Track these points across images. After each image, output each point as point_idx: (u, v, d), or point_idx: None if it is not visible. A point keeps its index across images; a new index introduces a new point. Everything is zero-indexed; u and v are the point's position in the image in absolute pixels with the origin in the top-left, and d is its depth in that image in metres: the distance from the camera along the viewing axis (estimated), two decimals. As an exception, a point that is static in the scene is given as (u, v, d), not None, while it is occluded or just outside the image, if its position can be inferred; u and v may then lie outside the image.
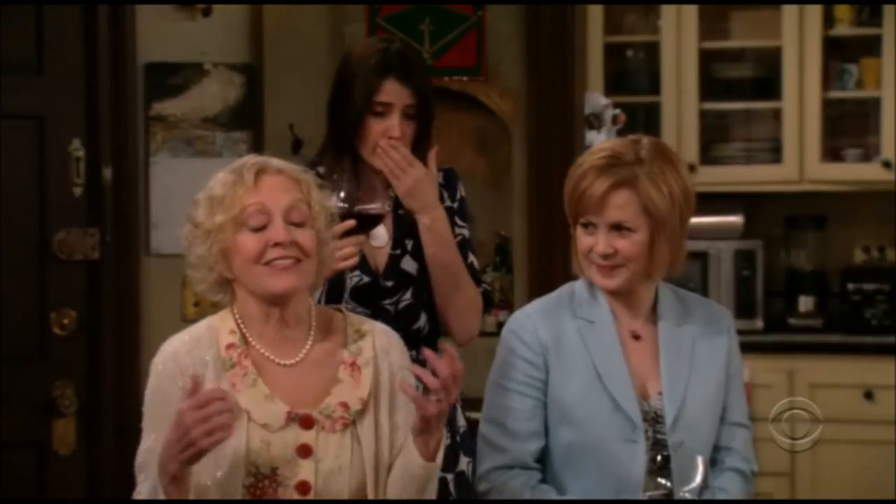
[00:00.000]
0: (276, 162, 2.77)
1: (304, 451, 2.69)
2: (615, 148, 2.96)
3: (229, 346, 2.74)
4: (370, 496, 2.72)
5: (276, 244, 2.69)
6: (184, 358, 2.72)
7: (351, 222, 3.13)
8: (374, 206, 3.19)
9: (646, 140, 2.99)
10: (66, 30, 4.78)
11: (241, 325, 2.76)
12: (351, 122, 3.32)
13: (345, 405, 2.73)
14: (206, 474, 2.65)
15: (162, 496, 2.60)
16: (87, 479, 4.79)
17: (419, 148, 3.34)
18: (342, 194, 3.15)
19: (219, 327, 2.77)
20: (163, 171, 4.96)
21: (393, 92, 3.31)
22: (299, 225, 2.72)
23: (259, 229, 2.70)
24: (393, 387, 2.78)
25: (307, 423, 2.70)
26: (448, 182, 3.44)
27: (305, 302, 2.80)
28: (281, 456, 2.68)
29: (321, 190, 2.81)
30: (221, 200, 2.71)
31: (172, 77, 4.99)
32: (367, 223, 3.20)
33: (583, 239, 2.96)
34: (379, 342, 2.81)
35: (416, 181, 3.27)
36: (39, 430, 4.72)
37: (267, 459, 2.67)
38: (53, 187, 4.75)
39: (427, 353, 2.72)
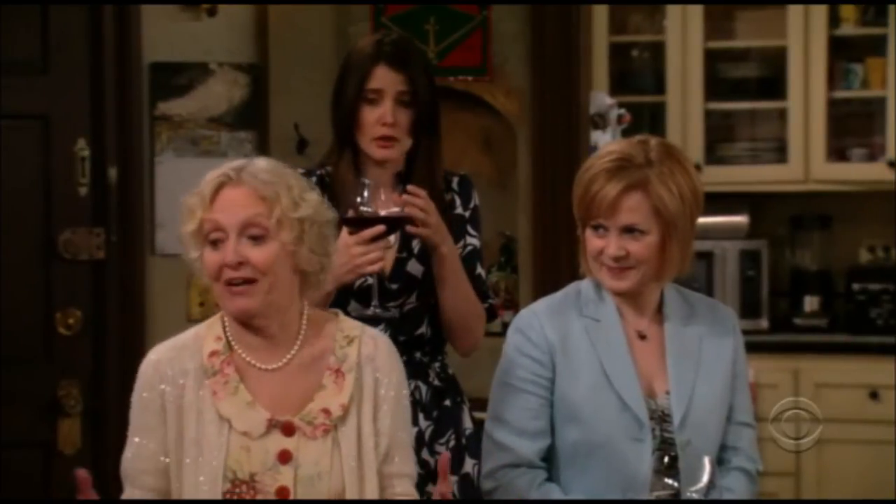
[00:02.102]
0: (248, 170, 2.70)
1: (284, 457, 2.68)
2: (624, 150, 2.95)
3: (212, 354, 2.73)
4: None
5: (225, 264, 2.67)
6: (164, 366, 2.72)
7: (381, 227, 3.13)
8: (395, 210, 3.18)
9: (654, 141, 2.98)
10: (71, 30, 4.78)
11: (227, 331, 2.76)
12: (346, 112, 3.31)
13: (326, 411, 2.71)
14: (190, 484, 2.68)
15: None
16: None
17: (424, 141, 3.33)
18: (365, 197, 3.14)
19: (205, 335, 2.76)
20: (168, 170, 4.96)
21: (383, 78, 3.29)
22: (257, 240, 2.67)
23: (217, 243, 2.68)
24: (377, 393, 2.76)
25: (288, 430, 2.69)
26: (462, 189, 3.41)
27: (294, 309, 2.76)
28: (261, 462, 2.67)
29: (305, 198, 2.72)
30: (187, 211, 2.70)
31: (177, 77, 4.99)
32: (392, 227, 3.18)
33: (592, 241, 2.96)
34: (365, 349, 2.78)
35: (437, 217, 3.24)
36: (44, 430, 4.73)
37: (246, 466, 2.67)
38: (58, 187, 4.75)
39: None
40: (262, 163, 2.73)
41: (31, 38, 4.73)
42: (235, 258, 2.66)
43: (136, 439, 2.73)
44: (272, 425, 2.69)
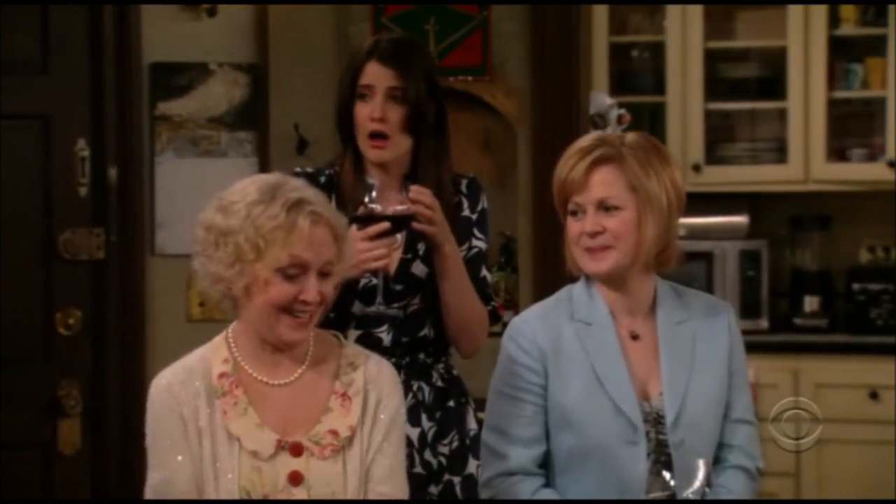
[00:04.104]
0: (317, 201, 2.70)
1: (296, 479, 2.69)
2: (601, 134, 2.99)
3: (221, 376, 2.74)
4: None
5: (304, 301, 2.68)
6: (178, 389, 2.72)
7: (385, 224, 3.15)
8: (401, 208, 3.19)
9: (633, 132, 3.01)
10: (71, 30, 4.79)
11: (234, 350, 2.76)
12: (342, 110, 3.34)
13: (334, 432, 2.73)
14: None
15: None
16: (92, 478, 4.80)
17: (430, 142, 3.34)
18: (373, 195, 3.15)
19: (211, 358, 2.77)
20: (168, 170, 4.96)
21: (374, 73, 3.31)
22: (328, 275, 2.71)
23: (295, 277, 2.68)
24: (377, 410, 2.78)
25: (297, 450, 2.71)
26: (470, 191, 3.42)
27: None
28: (272, 484, 2.69)
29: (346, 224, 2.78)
30: (268, 240, 2.65)
31: (177, 77, 4.99)
32: (398, 224, 3.19)
33: (572, 226, 2.96)
34: (369, 373, 2.80)
35: (441, 216, 3.25)
36: (44, 430, 4.73)
37: (259, 486, 2.68)
38: (59, 187, 4.76)
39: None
40: (311, 191, 2.72)
41: (31, 38, 4.74)
42: (317, 297, 2.69)
43: (169, 463, 2.71)
44: (280, 447, 2.70)
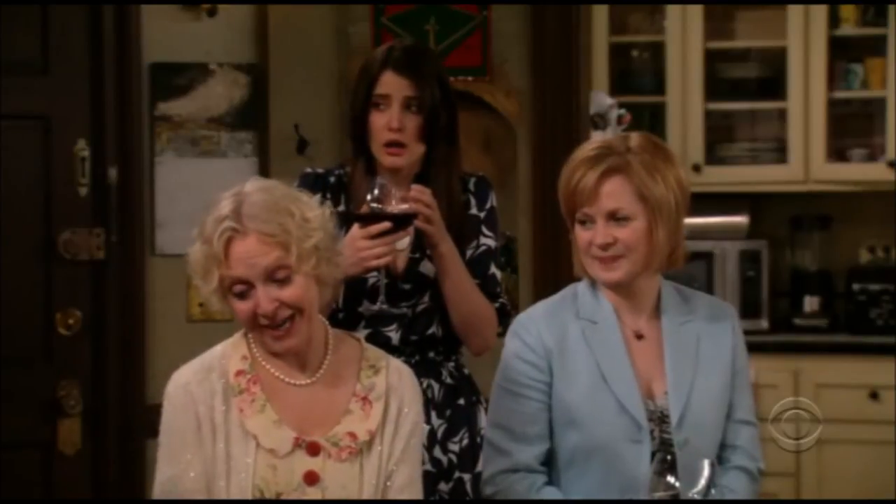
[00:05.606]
0: (247, 213, 2.65)
1: (311, 479, 2.69)
2: (605, 141, 2.99)
3: (238, 373, 2.74)
4: None
5: (262, 315, 2.67)
6: (195, 388, 2.72)
7: (386, 224, 3.15)
8: (403, 206, 3.20)
9: (635, 134, 3.00)
10: (71, 30, 4.79)
11: (254, 348, 2.77)
12: (356, 119, 3.35)
13: (353, 435, 2.73)
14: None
15: None
16: (92, 478, 4.79)
17: (442, 148, 3.35)
18: (375, 194, 3.16)
19: (230, 354, 2.77)
20: (168, 170, 4.96)
21: (390, 83, 3.32)
22: (284, 280, 2.67)
23: (244, 293, 2.67)
24: (398, 418, 2.78)
25: (314, 450, 2.70)
26: (478, 190, 3.44)
27: (319, 325, 2.79)
28: (287, 482, 2.68)
29: (309, 217, 2.70)
30: (198, 272, 2.69)
31: (177, 77, 4.99)
32: (399, 223, 3.19)
33: (581, 235, 2.96)
34: (391, 378, 2.80)
35: (439, 215, 3.26)
36: (44, 430, 4.73)
37: (272, 484, 2.68)
38: (59, 187, 4.76)
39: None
40: (256, 196, 2.68)
41: (31, 38, 4.73)
42: (271, 306, 2.66)
43: (180, 461, 2.71)
44: (298, 445, 2.70)
